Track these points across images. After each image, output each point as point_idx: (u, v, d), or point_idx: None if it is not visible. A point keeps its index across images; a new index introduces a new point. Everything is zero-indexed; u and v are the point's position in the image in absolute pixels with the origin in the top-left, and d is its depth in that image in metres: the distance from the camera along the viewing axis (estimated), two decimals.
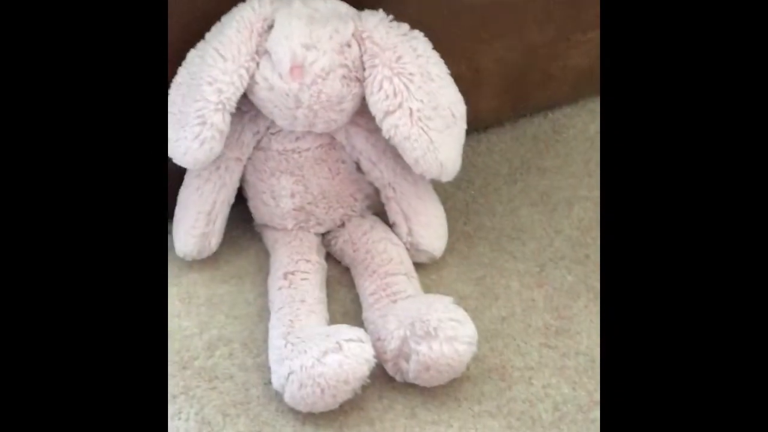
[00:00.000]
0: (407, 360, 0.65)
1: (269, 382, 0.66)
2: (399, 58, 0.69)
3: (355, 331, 0.64)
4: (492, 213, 0.84)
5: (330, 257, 0.79)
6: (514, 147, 0.93)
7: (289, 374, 0.62)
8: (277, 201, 0.77)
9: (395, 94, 0.69)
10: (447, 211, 0.79)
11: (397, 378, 0.67)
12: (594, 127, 0.92)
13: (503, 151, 0.92)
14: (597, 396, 0.64)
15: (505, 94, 0.90)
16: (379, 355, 0.65)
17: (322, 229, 0.78)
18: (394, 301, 0.70)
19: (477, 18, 0.79)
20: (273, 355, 0.66)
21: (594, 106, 0.93)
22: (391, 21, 0.71)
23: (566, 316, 0.72)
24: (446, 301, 0.67)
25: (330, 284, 0.76)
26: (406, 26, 0.71)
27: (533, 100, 0.90)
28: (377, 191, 0.78)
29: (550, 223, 0.81)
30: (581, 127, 0.92)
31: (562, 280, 0.76)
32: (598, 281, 0.74)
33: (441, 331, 0.64)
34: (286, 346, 0.65)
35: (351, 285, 0.76)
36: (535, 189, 0.85)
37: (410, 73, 0.69)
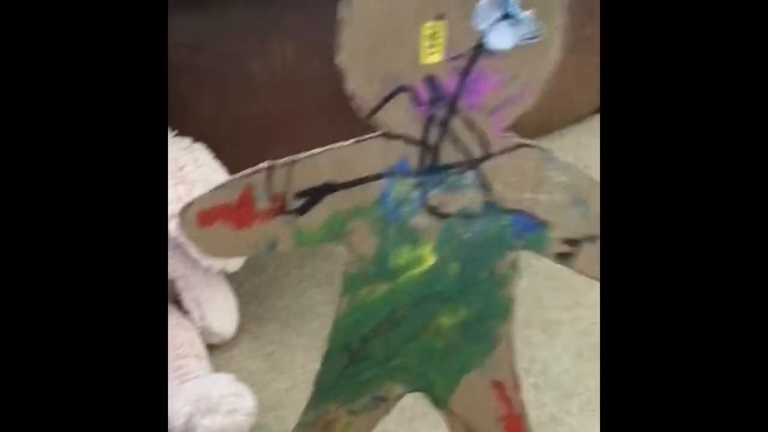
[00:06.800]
0: None
1: None
2: (182, 168, 0.77)
3: None
4: (282, 295, 0.93)
5: None
6: None
7: None
8: None
9: (179, 200, 0.75)
10: (240, 295, 0.87)
11: None
12: None
13: None
14: None
15: None
16: None
17: None
18: (183, 382, 0.75)
19: (258, 127, 0.87)
20: None
21: None
22: (174, 136, 0.79)
23: None
24: (228, 378, 0.74)
25: None
26: (188, 140, 0.80)
27: None
28: (172, 282, 0.84)
29: (333, 302, 0.91)
30: None
31: None
32: None
33: (222, 406, 0.70)
34: None
35: None
36: (320, 272, 0.96)
37: (192, 181, 0.77)
